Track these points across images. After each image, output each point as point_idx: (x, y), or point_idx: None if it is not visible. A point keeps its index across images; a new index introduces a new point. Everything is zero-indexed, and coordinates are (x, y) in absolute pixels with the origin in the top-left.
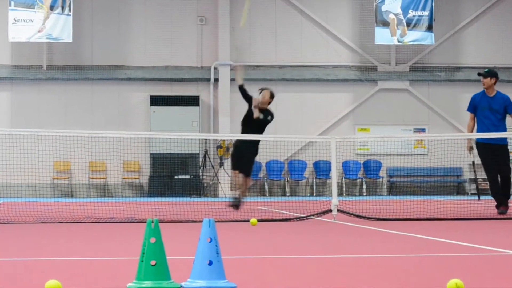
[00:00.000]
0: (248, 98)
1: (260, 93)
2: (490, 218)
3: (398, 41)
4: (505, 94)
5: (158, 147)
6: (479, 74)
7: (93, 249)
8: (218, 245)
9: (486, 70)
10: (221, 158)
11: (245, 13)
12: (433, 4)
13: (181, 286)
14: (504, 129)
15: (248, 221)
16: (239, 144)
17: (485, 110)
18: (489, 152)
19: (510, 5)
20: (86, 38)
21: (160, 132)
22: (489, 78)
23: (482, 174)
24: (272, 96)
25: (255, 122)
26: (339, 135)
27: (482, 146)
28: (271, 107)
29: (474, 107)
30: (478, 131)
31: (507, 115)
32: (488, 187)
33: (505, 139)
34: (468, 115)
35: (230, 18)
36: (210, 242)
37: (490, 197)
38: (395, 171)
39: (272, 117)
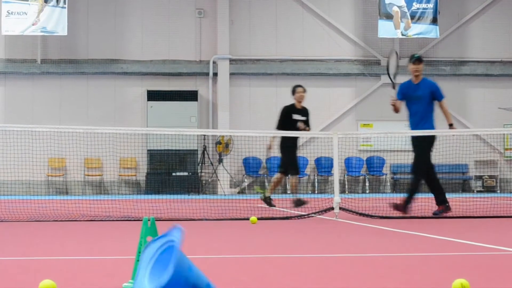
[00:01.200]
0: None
1: (294, 92)
2: (496, 216)
3: (402, 34)
4: (432, 80)
5: (155, 143)
6: (414, 60)
7: (88, 248)
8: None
9: (417, 55)
10: (220, 154)
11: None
12: None
13: None
14: (431, 122)
15: (248, 219)
16: (290, 145)
17: (412, 101)
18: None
19: None
20: (82, 31)
21: (157, 128)
22: (422, 64)
23: (488, 171)
24: (305, 90)
25: (295, 122)
26: (342, 131)
27: (412, 138)
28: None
29: (403, 95)
30: (409, 121)
31: (438, 102)
32: (492, 184)
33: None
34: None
35: (230, 11)
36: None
37: (495, 195)
38: (399, 168)
39: (309, 115)
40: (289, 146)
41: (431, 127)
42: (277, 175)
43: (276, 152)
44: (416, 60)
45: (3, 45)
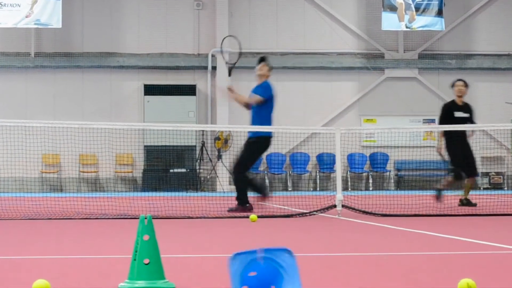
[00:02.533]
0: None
1: (453, 86)
2: (503, 214)
3: (406, 27)
4: (268, 82)
5: (152, 139)
6: (261, 60)
7: (83, 247)
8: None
9: (264, 56)
10: (219, 150)
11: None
12: None
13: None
14: (258, 122)
15: (248, 217)
16: (457, 144)
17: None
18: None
19: None
20: (77, 24)
21: (154, 123)
22: (266, 66)
23: (494, 168)
24: (466, 85)
25: (457, 120)
26: (344, 126)
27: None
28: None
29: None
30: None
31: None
32: (499, 181)
33: (256, 133)
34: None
35: (229, 2)
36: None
37: (502, 192)
38: (403, 164)
39: (472, 112)
40: (456, 144)
41: (257, 132)
42: (449, 178)
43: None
44: (263, 60)
45: None
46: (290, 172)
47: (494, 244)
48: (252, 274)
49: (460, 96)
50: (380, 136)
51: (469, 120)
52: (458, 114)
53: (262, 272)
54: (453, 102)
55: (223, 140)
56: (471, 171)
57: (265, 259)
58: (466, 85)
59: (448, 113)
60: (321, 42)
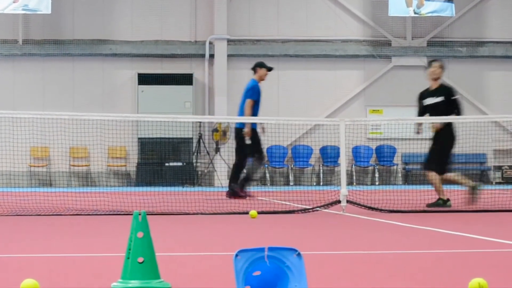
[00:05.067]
0: None
1: None
2: None
3: (415, 13)
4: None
5: (146, 131)
6: (270, 69)
7: (74, 245)
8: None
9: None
10: (217, 143)
11: None
12: None
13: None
14: (241, 113)
15: (247, 213)
16: None
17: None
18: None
19: None
20: (67, 9)
21: (149, 114)
22: None
23: (508, 161)
24: (442, 66)
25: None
26: (349, 117)
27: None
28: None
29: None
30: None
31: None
32: (508, 175)
33: (242, 124)
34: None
35: None
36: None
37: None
38: (411, 158)
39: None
40: None
41: (242, 123)
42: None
43: None
44: (271, 69)
45: None
46: (292, 166)
47: (507, 242)
48: (256, 273)
49: None
50: (387, 127)
51: None
52: None
53: (267, 272)
54: None
55: (221, 132)
56: None
57: (271, 258)
58: (442, 66)
59: None
60: (324, 29)
